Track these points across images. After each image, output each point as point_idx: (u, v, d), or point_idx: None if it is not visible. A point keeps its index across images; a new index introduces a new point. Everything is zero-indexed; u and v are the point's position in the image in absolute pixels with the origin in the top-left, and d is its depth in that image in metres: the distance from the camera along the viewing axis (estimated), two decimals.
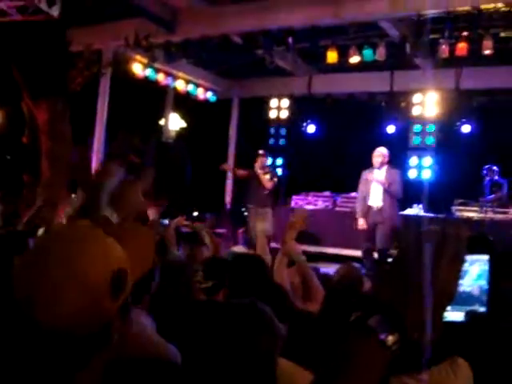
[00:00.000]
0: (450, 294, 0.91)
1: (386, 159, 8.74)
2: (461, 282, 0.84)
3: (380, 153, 8.72)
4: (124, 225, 1.47)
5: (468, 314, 2.12)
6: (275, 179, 9.94)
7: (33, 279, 1.15)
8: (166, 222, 5.44)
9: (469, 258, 2.06)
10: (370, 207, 8.66)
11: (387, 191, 8.55)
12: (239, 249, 5.36)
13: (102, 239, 1.23)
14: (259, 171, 9.84)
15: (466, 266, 0.88)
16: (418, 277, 0.86)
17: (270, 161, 10.41)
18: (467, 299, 2.11)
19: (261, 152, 10.10)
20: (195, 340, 1.27)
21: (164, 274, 2.86)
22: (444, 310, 0.90)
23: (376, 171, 8.67)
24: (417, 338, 0.93)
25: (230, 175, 13.83)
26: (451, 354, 2.20)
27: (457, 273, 0.91)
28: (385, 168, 8.70)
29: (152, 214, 5.42)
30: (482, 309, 2.14)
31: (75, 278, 1.14)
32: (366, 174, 8.76)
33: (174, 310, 2.61)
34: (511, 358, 2.54)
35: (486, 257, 2.14)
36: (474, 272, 2.10)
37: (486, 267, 2.13)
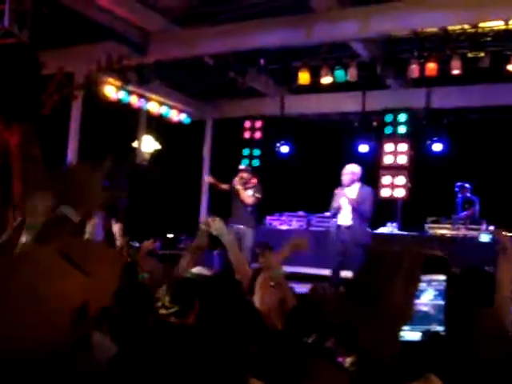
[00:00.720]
0: (405, 314, 0.91)
1: (357, 177, 8.56)
2: (417, 301, 0.84)
3: (349, 170, 8.56)
4: (90, 245, 1.45)
5: (425, 334, 2.13)
6: (257, 195, 9.51)
7: None
8: (137, 244, 5.39)
9: (425, 277, 2.08)
10: (339, 226, 8.58)
11: (356, 210, 8.44)
12: (198, 270, 5.18)
13: (65, 269, 1.21)
14: (238, 187, 9.50)
15: (422, 286, 0.89)
16: (373, 298, 0.86)
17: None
18: (424, 318, 2.13)
19: (241, 167, 9.90)
20: (159, 363, 1.26)
21: (129, 298, 2.83)
22: (400, 329, 0.90)
23: (346, 189, 8.49)
24: (375, 358, 0.93)
25: (204, 198, 13.83)
26: (423, 372, 2.21)
27: (412, 293, 0.91)
28: (356, 186, 8.54)
29: (117, 231, 5.38)
30: (440, 328, 2.16)
31: (38, 305, 1.12)
32: (337, 191, 8.64)
33: (138, 333, 2.59)
34: (467, 378, 2.55)
35: (442, 277, 2.16)
36: (431, 292, 2.12)
37: (442, 287, 2.14)
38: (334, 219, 8.70)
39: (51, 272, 1.18)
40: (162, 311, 3.39)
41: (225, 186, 9.92)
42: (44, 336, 1.12)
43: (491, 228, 10.07)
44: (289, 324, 3.02)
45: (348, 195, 8.43)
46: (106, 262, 1.36)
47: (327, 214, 9.90)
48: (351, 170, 8.59)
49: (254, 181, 9.79)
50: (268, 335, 2.81)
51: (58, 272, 1.18)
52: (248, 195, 9.45)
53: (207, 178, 10.40)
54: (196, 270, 4.66)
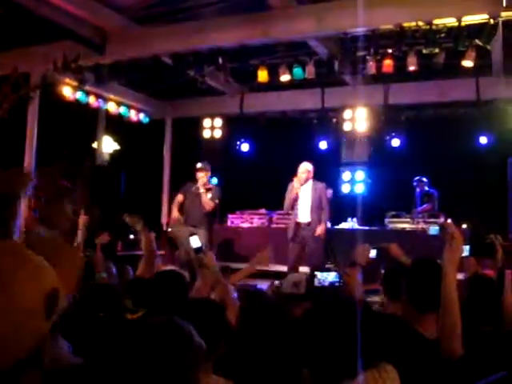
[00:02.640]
0: None
1: (311, 175, 8.92)
2: None
3: (304, 169, 8.88)
4: (51, 243, 1.45)
5: None
6: (216, 200, 9.51)
7: None
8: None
9: None
10: (298, 224, 8.85)
11: (315, 207, 8.72)
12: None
13: (34, 259, 1.22)
14: (202, 190, 9.41)
15: None
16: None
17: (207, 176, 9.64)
18: None
19: (201, 165, 9.62)
20: (113, 359, 1.27)
21: (88, 297, 2.82)
22: None
23: (302, 188, 8.83)
24: None
25: (164, 198, 13.75)
26: (378, 359, 2.26)
27: None
28: (310, 183, 8.89)
29: (80, 235, 5.35)
30: None
31: (9, 298, 1.12)
32: (291, 186, 8.88)
33: (93, 331, 2.58)
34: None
35: None
36: None
37: None
38: (290, 213, 8.93)
39: (21, 267, 1.18)
40: (129, 315, 3.39)
41: (180, 199, 9.66)
42: (18, 330, 1.12)
43: (441, 221, 10.28)
44: (242, 322, 3.04)
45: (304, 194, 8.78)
46: (67, 258, 1.36)
47: (283, 210, 9.94)
48: (306, 168, 8.92)
49: (211, 185, 9.83)
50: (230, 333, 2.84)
51: (28, 267, 1.19)
52: (208, 201, 9.38)
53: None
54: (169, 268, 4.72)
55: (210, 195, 9.45)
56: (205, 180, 9.51)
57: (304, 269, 8.41)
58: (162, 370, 1.25)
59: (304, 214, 8.88)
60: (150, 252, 4.99)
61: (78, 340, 2.28)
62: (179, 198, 9.64)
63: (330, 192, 11.91)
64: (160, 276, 3.87)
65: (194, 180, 9.63)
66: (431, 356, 2.58)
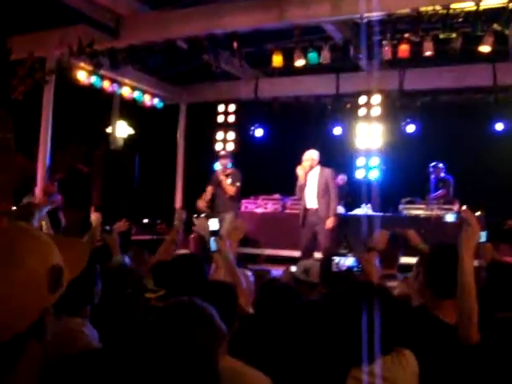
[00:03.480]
0: None
1: (316, 162, 9.03)
2: None
3: (309, 156, 9.02)
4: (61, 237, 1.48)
5: None
6: (238, 184, 9.87)
7: None
8: (108, 227, 5.38)
9: None
10: (307, 209, 8.93)
11: (322, 193, 8.78)
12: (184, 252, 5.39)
13: (39, 235, 1.25)
14: (222, 177, 9.84)
15: None
16: None
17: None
18: None
19: (222, 153, 10.13)
20: (135, 340, 1.27)
21: (107, 281, 2.83)
22: None
23: (310, 174, 8.98)
24: None
25: (179, 183, 13.79)
26: (396, 345, 2.25)
27: None
28: (317, 169, 9.02)
29: (94, 220, 5.36)
30: None
31: (14, 265, 1.15)
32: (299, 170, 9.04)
33: (117, 316, 2.59)
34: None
35: None
36: None
37: None
38: (300, 200, 9.01)
39: (27, 239, 1.20)
40: (150, 295, 3.44)
41: (210, 190, 10.04)
42: (22, 298, 1.14)
43: (456, 208, 10.23)
44: (258, 307, 3.05)
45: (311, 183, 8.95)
46: (71, 244, 1.37)
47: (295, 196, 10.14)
48: (311, 156, 9.05)
49: (231, 169, 10.08)
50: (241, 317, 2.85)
51: (33, 239, 1.21)
52: (229, 186, 9.77)
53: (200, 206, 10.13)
54: (182, 252, 4.80)
55: (229, 180, 9.82)
56: (222, 167, 9.94)
57: (318, 255, 8.42)
58: (183, 350, 1.25)
59: (311, 199, 9.00)
60: (173, 240, 5.17)
61: (104, 327, 2.29)
62: (208, 190, 10.09)
63: (342, 178, 11.89)
64: (180, 259, 3.91)
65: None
66: (450, 341, 2.57)
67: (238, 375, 1.98)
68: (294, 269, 4.67)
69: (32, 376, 1.18)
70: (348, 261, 3.86)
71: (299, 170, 8.98)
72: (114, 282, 3.02)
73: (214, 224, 4.55)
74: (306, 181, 8.98)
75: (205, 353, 1.40)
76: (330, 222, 8.79)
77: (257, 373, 2.12)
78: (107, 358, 1.33)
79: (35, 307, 1.17)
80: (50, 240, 1.26)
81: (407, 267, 3.87)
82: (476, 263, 3.88)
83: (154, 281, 3.60)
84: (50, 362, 1.23)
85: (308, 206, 9.02)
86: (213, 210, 9.88)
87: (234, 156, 12.68)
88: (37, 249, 1.20)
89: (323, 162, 9.23)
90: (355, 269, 3.79)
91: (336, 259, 3.87)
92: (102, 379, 1.16)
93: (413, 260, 3.51)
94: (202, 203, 9.87)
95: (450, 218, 9.28)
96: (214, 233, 4.45)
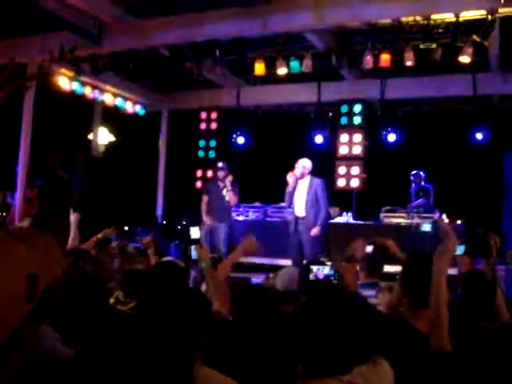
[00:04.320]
0: None
1: (308, 171, 9.09)
2: None
3: (301, 164, 9.08)
4: (32, 234, 1.45)
5: None
6: (237, 195, 10.17)
7: None
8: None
9: None
10: (297, 217, 8.98)
11: (311, 202, 8.83)
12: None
13: (16, 244, 1.24)
14: (229, 187, 10.05)
15: None
16: None
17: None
18: None
19: (220, 165, 10.28)
20: (107, 348, 1.27)
21: (73, 287, 2.81)
22: None
23: (300, 182, 9.01)
24: None
25: (160, 190, 13.77)
26: (372, 354, 2.26)
27: None
28: (307, 178, 9.07)
29: (74, 220, 5.34)
30: None
31: None
32: (289, 177, 9.05)
33: (81, 321, 2.58)
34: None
35: None
36: None
37: None
38: (290, 209, 9.07)
39: (4, 249, 1.20)
40: (120, 307, 3.41)
41: (205, 200, 10.32)
42: (2, 304, 1.13)
43: (436, 216, 10.31)
44: (236, 314, 3.05)
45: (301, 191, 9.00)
46: (47, 244, 1.36)
47: (283, 204, 10.21)
48: (303, 164, 9.11)
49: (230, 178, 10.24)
50: (217, 324, 2.85)
51: (11, 250, 1.21)
52: (233, 196, 10.03)
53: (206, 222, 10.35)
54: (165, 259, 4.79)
55: (230, 188, 10.08)
56: (222, 177, 10.16)
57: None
58: (157, 360, 1.25)
59: (300, 208, 9.06)
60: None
61: (68, 330, 2.27)
62: (204, 199, 10.34)
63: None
64: (158, 267, 3.90)
65: (214, 179, 10.45)
66: (424, 351, 2.59)
67: (209, 382, 1.98)
68: (272, 276, 4.67)
69: (12, 378, 1.18)
70: (326, 269, 3.88)
71: (289, 177, 9.00)
72: (77, 287, 3.00)
73: (195, 232, 4.54)
74: (294, 188, 9.00)
75: (180, 360, 1.41)
76: (315, 231, 8.81)
77: (227, 380, 2.12)
78: (85, 365, 1.33)
79: (13, 317, 1.16)
80: (24, 247, 1.24)
81: (393, 276, 3.89)
82: (453, 272, 3.92)
83: (125, 292, 3.56)
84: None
85: (297, 214, 9.09)
86: (210, 219, 10.13)
87: (215, 163, 12.70)
88: (14, 257, 1.19)
89: None
90: (332, 278, 3.81)
91: (314, 268, 3.89)
92: None
93: (398, 268, 3.53)
94: (207, 219, 10.19)
95: (426, 227, 9.34)
96: (195, 241, 4.45)
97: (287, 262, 8.99)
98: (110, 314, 3.04)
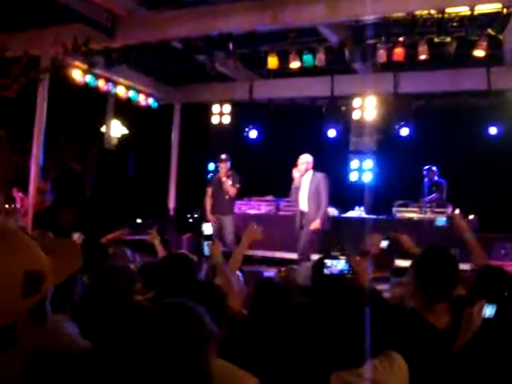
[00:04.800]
0: None
1: (310, 165, 9.08)
2: None
3: (304, 160, 9.05)
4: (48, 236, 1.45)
5: None
6: (238, 185, 10.01)
7: None
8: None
9: None
10: (302, 212, 8.97)
11: (312, 197, 8.85)
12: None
13: (18, 238, 1.22)
14: (224, 179, 9.93)
15: None
16: None
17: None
18: None
19: (223, 157, 10.13)
20: (124, 340, 1.27)
21: (96, 280, 2.83)
22: None
23: (303, 178, 9.01)
24: None
25: (172, 182, 13.79)
26: (386, 348, 2.26)
27: None
28: (309, 174, 9.05)
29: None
30: None
31: None
32: (294, 173, 9.07)
33: (103, 315, 2.59)
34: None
35: None
36: None
37: None
38: (296, 202, 9.15)
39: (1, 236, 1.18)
40: (138, 297, 3.44)
41: (209, 193, 10.22)
42: None
43: (449, 211, 10.27)
44: (251, 309, 3.05)
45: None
46: (64, 248, 1.35)
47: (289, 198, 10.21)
48: (306, 159, 9.08)
49: (231, 171, 10.14)
50: (233, 319, 2.85)
51: (9, 244, 1.19)
52: (230, 187, 9.90)
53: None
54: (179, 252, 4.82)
55: (230, 182, 9.93)
56: (225, 169, 9.99)
57: (315, 256, 8.42)
58: (174, 353, 1.25)
59: (303, 203, 9.04)
60: None
61: (89, 323, 2.29)
62: (208, 192, 10.23)
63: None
64: (169, 259, 3.91)
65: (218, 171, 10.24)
66: (441, 346, 2.58)
67: (227, 376, 1.99)
68: (284, 270, 4.68)
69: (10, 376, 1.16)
70: (340, 264, 3.86)
71: (295, 173, 9.01)
72: (104, 280, 3.02)
73: (207, 228, 4.55)
74: (300, 184, 8.99)
75: (196, 354, 1.41)
76: (315, 224, 8.78)
77: (246, 374, 2.12)
78: (98, 360, 1.34)
79: (6, 310, 1.14)
80: (33, 244, 1.22)
81: (403, 270, 3.88)
82: (467, 267, 3.90)
83: (143, 283, 3.59)
84: (33, 356, 1.21)
85: (301, 209, 9.07)
86: (212, 211, 10.04)
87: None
88: (12, 250, 1.17)
89: (317, 164, 9.24)
90: (346, 272, 3.79)
91: (328, 262, 3.88)
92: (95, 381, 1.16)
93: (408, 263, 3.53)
94: (208, 206, 10.16)
95: (439, 222, 9.29)
96: (207, 237, 4.46)
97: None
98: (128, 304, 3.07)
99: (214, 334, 1.64)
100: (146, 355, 1.17)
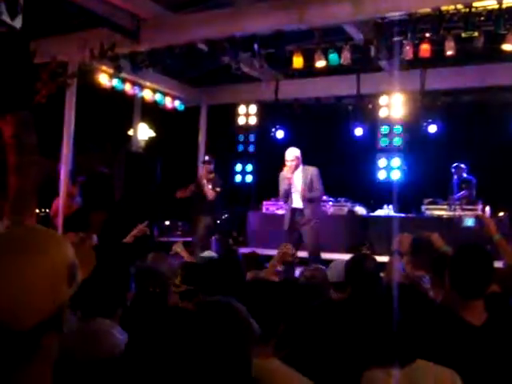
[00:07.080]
0: None
1: (300, 161, 8.73)
2: None
3: (293, 155, 8.67)
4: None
5: None
6: (218, 189, 9.98)
7: None
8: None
9: None
10: (294, 210, 8.72)
11: (307, 192, 8.58)
12: (209, 254, 5.44)
13: (59, 235, 1.36)
14: (204, 181, 9.99)
15: None
16: None
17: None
18: None
19: (207, 158, 10.28)
20: (169, 341, 1.27)
21: (139, 283, 2.86)
22: None
23: (294, 174, 8.65)
24: None
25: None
26: (420, 356, 2.23)
27: None
28: (300, 169, 8.70)
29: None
30: None
31: (40, 253, 1.21)
32: (282, 175, 8.82)
33: (147, 318, 2.60)
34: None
35: None
36: None
37: None
38: (286, 203, 8.92)
39: (50, 238, 1.29)
40: (174, 289, 3.52)
41: (191, 188, 10.28)
42: (44, 291, 1.19)
43: (479, 208, 10.17)
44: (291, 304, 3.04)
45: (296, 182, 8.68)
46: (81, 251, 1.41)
47: (324, 197, 10.10)
48: (294, 154, 8.72)
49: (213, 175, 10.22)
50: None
51: (55, 238, 1.30)
52: (210, 190, 9.93)
53: (180, 193, 10.42)
54: (205, 253, 4.91)
55: (210, 185, 9.97)
56: (206, 172, 10.15)
57: (303, 254, 8.29)
58: (214, 352, 1.25)
59: (297, 200, 8.69)
60: None
61: (136, 328, 2.31)
62: (190, 187, 10.30)
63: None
64: (220, 260, 3.98)
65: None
66: (479, 342, 2.54)
67: (277, 377, 1.98)
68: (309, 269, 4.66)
69: (46, 372, 1.21)
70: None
71: (286, 172, 8.64)
72: (142, 283, 3.05)
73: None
74: (291, 183, 8.65)
75: (239, 355, 1.41)
76: (308, 213, 8.58)
77: (296, 375, 2.10)
78: (138, 362, 1.34)
79: (57, 298, 1.22)
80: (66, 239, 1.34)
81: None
82: (499, 265, 3.85)
83: (182, 277, 3.65)
84: (74, 360, 1.24)
85: (294, 206, 8.71)
86: (191, 211, 10.33)
87: (255, 158, 12.70)
88: (59, 244, 1.27)
89: (344, 162, 9.19)
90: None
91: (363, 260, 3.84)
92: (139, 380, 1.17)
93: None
94: (181, 193, 10.28)
95: (468, 222, 9.20)
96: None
97: (332, 256, 8.85)
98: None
99: (257, 334, 1.64)
100: (188, 355, 1.18)
